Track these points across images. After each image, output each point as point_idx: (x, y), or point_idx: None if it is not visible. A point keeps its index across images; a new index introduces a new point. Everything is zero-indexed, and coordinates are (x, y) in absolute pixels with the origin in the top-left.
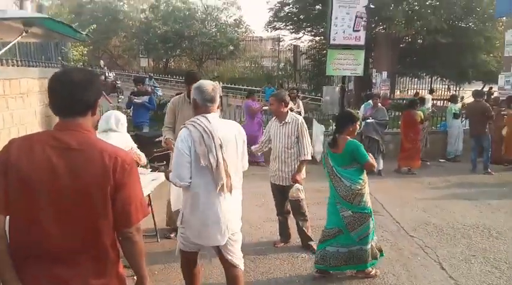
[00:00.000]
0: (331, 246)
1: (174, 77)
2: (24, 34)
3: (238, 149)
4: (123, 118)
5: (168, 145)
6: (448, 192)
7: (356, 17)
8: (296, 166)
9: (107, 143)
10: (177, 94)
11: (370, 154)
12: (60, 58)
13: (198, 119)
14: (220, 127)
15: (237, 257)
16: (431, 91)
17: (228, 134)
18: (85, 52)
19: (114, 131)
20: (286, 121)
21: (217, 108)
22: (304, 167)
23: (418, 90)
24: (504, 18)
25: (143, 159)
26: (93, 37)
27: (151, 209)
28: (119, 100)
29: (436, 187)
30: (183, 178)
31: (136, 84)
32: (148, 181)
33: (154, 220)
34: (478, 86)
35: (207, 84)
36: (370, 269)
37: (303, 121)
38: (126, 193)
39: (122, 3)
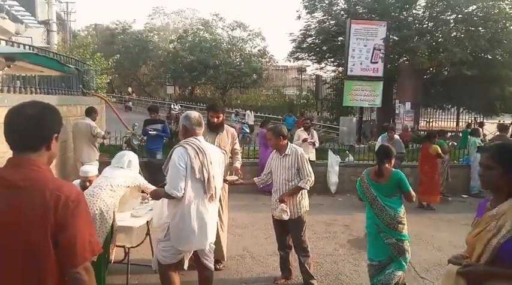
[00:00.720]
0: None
1: (199, 104)
2: (6, 68)
3: (221, 169)
4: (134, 160)
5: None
6: (466, 229)
7: (374, 49)
8: (297, 199)
9: (54, 180)
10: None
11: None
12: (81, 86)
13: (190, 140)
14: (208, 148)
15: (211, 261)
16: (481, 124)
17: (215, 154)
18: (108, 80)
19: (123, 169)
20: (286, 153)
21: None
22: (307, 200)
23: (469, 122)
24: None
25: (159, 192)
26: (123, 65)
27: (150, 238)
28: (135, 127)
29: (455, 224)
30: (179, 189)
31: (151, 112)
32: (146, 210)
33: (152, 250)
34: (507, 118)
35: (194, 113)
36: None
37: (303, 152)
38: (71, 232)
39: (152, 34)
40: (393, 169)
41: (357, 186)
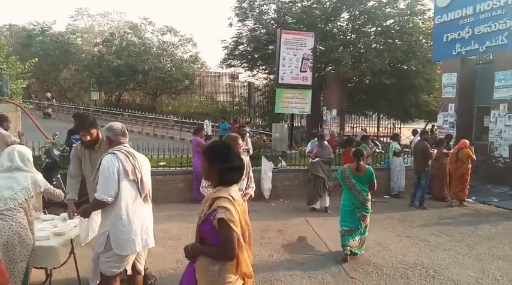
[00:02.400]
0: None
1: (127, 111)
2: None
3: (149, 174)
4: (28, 153)
5: (71, 210)
6: (390, 229)
7: (303, 58)
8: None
9: None
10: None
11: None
12: None
13: (119, 147)
14: (136, 153)
15: (142, 265)
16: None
17: (143, 159)
18: (24, 85)
19: (20, 170)
20: None
21: None
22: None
23: (364, 127)
24: (440, 62)
25: (59, 195)
26: (41, 69)
27: (74, 257)
28: (56, 136)
29: (379, 224)
30: (110, 194)
31: (76, 119)
32: (70, 227)
33: (77, 269)
34: (421, 124)
35: (117, 124)
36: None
37: (249, 160)
38: None
39: (74, 36)
40: (367, 166)
41: (339, 176)
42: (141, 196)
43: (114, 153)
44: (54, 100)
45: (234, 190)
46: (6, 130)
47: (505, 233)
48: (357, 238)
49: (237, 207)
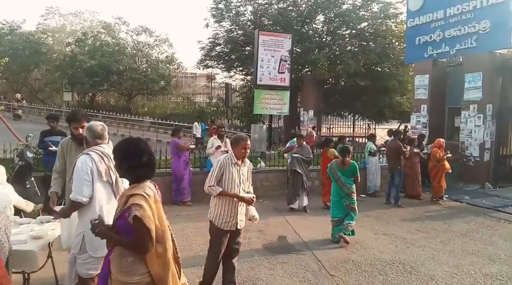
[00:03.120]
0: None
1: (101, 112)
2: None
3: None
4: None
5: (52, 203)
6: (367, 227)
7: (281, 60)
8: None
9: None
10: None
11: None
12: None
13: (94, 147)
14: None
15: None
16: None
17: None
18: None
19: None
20: (246, 162)
21: None
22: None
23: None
24: (413, 64)
25: (29, 208)
26: (10, 69)
27: (52, 260)
28: (29, 138)
29: (356, 223)
30: (85, 195)
31: (50, 121)
32: (48, 230)
33: (55, 272)
34: (395, 125)
35: (97, 124)
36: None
37: (250, 163)
38: None
39: (45, 35)
40: (352, 161)
41: (328, 170)
42: (115, 197)
43: (88, 154)
44: (24, 101)
45: (149, 187)
46: None
47: (477, 230)
48: (350, 223)
49: (152, 204)
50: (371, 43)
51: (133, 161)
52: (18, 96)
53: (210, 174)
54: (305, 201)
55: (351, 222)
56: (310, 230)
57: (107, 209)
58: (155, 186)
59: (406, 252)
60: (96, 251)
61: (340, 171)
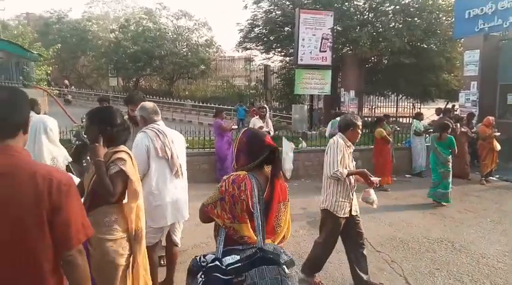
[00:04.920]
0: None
1: (144, 96)
2: None
3: (184, 150)
4: (51, 123)
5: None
6: (413, 206)
7: (322, 38)
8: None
9: (40, 164)
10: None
11: None
12: (21, 77)
13: (150, 125)
14: (168, 130)
15: (178, 237)
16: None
17: (175, 136)
18: (49, 71)
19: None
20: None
21: None
22: None
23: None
24: (462, 39)
25: None
26: (60, 56)
27: None
28: (83, 120)
29: (402, 202)
30: (139, 171)
31: (102, 102)
32: None
33: None
34: (441, 104)
35: (149, 103)
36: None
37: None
38: (65, 215)
39: (90, 23)
40: (448, 135)
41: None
42: (171, 171)
43: (144, 132)
44: (73, 87)
45: (125, 147)
46: (38, 114)
47: None
48: (439, 190)
49: (134, 162)
50: (416, 18)
51: (107, 125)
52: (67, 82)
53: (330, 158)
54: None
55: (442, 190)
56: None
57: (164, 183)
58: None
59: (455, 231)
60: (154, 222)
61: (438, 143)
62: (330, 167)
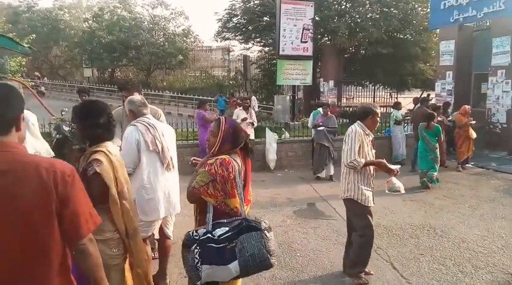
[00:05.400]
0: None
1: (139, 84)
2: None
3: (174, 142)
4: (32, 118)
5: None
6: (394, 194)
7: (303, 29)
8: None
9: (40, 158)
10: (119, 107)
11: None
12: None
13: (140, 119)
14: (158, 123)
15: (171, 230)
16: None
17: (165, 129)
18: (23, 63)
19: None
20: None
21: None
22: None
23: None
24: (438, 30)
25: None
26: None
27: None
28: (63, 113)
29: (383, 190)
30: (130, 165)
31: (81, 94)
32: None
33: None
34: (417, 93)
35: (136, 96)
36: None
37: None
38: (73, 206)
39: (62, 12)
40: (436, 124)
41: (418, 129)
42: (163, 165)
43: (134, 125)
44: (45, 78)
45: (110, 146)
46: None
47: (506, 195)
48: (433, 173)
49: (115, 162)
50: (392, 9)
51: (91, 121)
52: (37, 73)
53: (348, 147)
54: (331, 170)
55: (434, 173)
56: (338, 197)
57: (155, 176)
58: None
59: (436, 217)
60: (147, 215)
61: (426, 132)
62: (347, 156)
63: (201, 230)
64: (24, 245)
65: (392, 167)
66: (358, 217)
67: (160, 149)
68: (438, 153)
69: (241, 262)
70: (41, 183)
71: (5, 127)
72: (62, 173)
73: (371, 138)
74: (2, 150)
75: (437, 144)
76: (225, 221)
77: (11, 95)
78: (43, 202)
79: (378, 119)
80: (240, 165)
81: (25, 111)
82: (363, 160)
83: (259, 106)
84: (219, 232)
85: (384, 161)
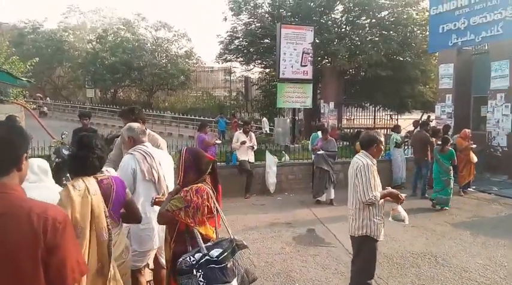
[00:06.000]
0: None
1: (123, 108)
2: None
3: (171, 170)
4: (45, 165)
5: None
6: (397, 223)
7: (303, 52)
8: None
9: (35, 202)
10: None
11: None
12: None
13: (137, 147)
14: (155, 151)
15: (163, 259)
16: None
17: (162, 157)
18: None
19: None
20: None
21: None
22: None
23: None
24: (437, 53)
25: None
26: (35, 68)
27: None
28: (63, 135)
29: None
30: None
31: (82, 118)
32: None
33: None
34: (417, 114)
35: (135, 124)
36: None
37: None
38: (60, 255)
39: (66, 33)
40: (450, 148)
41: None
42: (158, 194)
43: (132, 154)
44: (48, 98)
45: (89, 181)
46: None
47: (508, 221)
48: (441, 196)
49: (75, 199)
50: (392, 32)
51: (71, 154)
52: (40, 95)
53: (364, 184)
54: (332, 194)
55: (443, 197)
56: (338, 222)
57: (150, 207)
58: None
59: (437, 244)
60: (141, 245)
61: (440, 155)
62: (365, 193)
63: (197, 255)
64: None
65: (402, 195)
66: (366, 251)
67: (156, 179)
68: (451, 175)
69: (239, 278)
70: (30, 229)
71: (6, 169)
72: (53, 220)
73: (375, 166)
74: (1, 192)
75: (450, 167)
76: (211, 243)
77: (15, 135)
78: (30, 248)
79: (382, 147)
80: (212, 191)
81: (39, 160)
82: (379, 194)
83: (258, 128)
84: (215, 253)
85: (395, 191)
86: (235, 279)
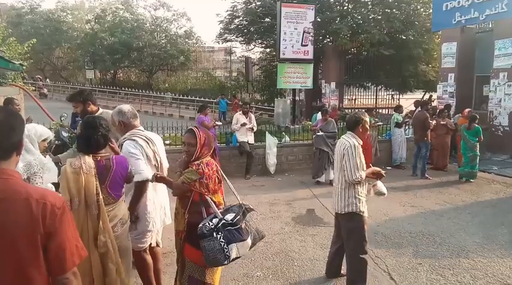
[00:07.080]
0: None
1: (123, 89)
2: None
3: (164, 152)
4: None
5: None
6: (394, 200)
7: (304, 32)
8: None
9: (35, 188)
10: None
11: None
12: None
13: (135, 132)
14: (152, 135)
15: (160, 237)
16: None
17: (158, 140)
18: (24, 67)
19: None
20: None
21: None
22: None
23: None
24: (440, 32)
25: None
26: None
27: None
28: (63, 118)
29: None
30: (147, 173)
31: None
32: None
33: None
34: (419, 94)
35: (125, 106)
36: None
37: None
38: (59, 239)
39: (65, 13)
40: (476, 125)
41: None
42: None
43: (134, 140)
44: (48, 79)
45: (85, 159)
46: None
47: (507, 201)
48: (467, 170)
49: (69, 173)
50: (395, 10)
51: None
52: (38, 76)
53: (351, 164)
54: (331, 175)
55: (469, 170)
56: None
57: (153, 190)
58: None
59: (436, 224)
60: (148, 225)
61: (466, 132)
62: (351, 172)
63: (215, 219)
64: (8, 275)
65: (383, 172)
66: (355, 230)
67: (159, 163)
68: (477, 151)
69: (252, 236)
70: (29, 214)
71: (8, 152)
72: (51, 206)
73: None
74: (1, 177)
75: (477, 143)
76: (222, 209)
77: (14, 120)
78: (29, 233)
79: (368, 126)
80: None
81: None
82: (364, 173)
83: (258, 109)
84: (229, 217)
85: (377, 168)
86: (249, 237)
